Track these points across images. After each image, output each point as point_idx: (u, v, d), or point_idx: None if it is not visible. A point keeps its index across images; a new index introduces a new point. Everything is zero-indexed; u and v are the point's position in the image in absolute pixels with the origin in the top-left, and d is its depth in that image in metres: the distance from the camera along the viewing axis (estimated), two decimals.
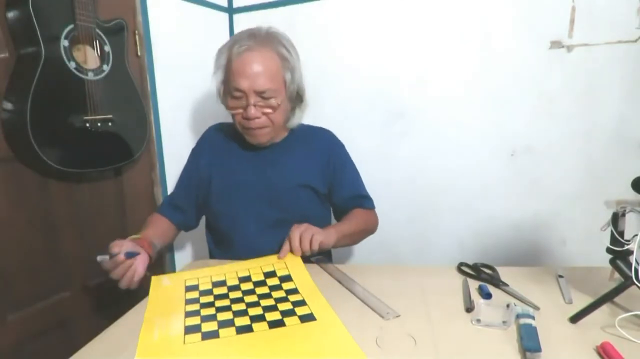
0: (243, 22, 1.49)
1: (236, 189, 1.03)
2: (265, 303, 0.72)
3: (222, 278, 0.82)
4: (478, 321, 0.64)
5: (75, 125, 0.96)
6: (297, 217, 0.99)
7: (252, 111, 0.93)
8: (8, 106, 0.89)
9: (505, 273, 0.80)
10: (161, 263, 1.31)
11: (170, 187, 1.30)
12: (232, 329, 0.64)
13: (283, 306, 0.70)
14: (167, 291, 0.80)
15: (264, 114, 0.95)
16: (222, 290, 0.78)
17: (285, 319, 0.66)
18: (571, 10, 1.17)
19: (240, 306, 0.71)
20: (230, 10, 1.51)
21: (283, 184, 1.02)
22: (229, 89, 0.95)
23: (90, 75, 0.98)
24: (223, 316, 0.69)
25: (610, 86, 1.18)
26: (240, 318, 0.68)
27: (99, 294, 1.11)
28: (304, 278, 0.80)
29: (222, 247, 1.07)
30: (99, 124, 0.99)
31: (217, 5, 1.46)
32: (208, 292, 0.78)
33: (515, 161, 1.31)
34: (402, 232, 1.45)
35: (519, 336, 0.59)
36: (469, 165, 1.35)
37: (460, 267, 0.85)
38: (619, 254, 0.65)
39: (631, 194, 0.63)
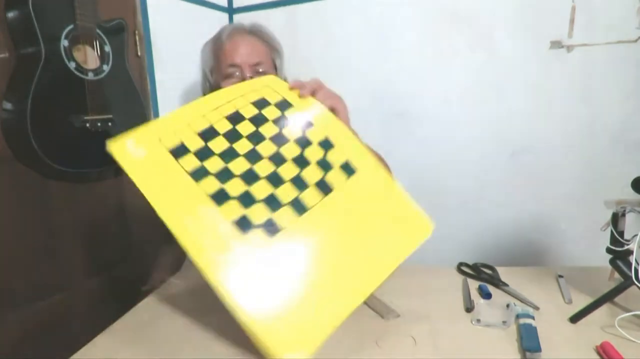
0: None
1: None
2: (288, 152, 0.57)
3: (207, 125, 0.60)
4: (478, 321, 0.64)
5: (75, 125, 0.96)
6: None
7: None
8: (8, 106, 0.89)
9: (505, 273, 0.80)
10: None
11: None
12: (290, 210, 0.54)
13: (312, 153, 0.57)
14: (149, 167, 0.57)
15: None
16: (221, 144, 0.58)
17: (329, 178, 0.55)
18: (571, 10, 1.17)
19: (269, 168, 0.56)
20: (230, 10, 1.51)
21: None
22: (222, 69, 0.98)
23: (90, 76, 0.98)
24: (260, 192, 0.55)
25: (610, 86, 1.18)
26: (283, 188, 0.55)
27: (99, 294, 1.11)
28: (302, 100, 0.64)
29: None
30: (99, 124, 0.99)
31: (217, 5, 1.46)
32: (207, 153, 0.57)
33: (515, 161, 1.31)
34: None
35: (519, 336, 0.59)
36: (468, 165, 1.35)
37: (460, 268, 0.85)
38: (619, 254, 0.65)
39: (631, 194, 0.63)
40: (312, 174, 0.57)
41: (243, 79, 0.96)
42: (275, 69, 1.02)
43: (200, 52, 1.03)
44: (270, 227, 0.52)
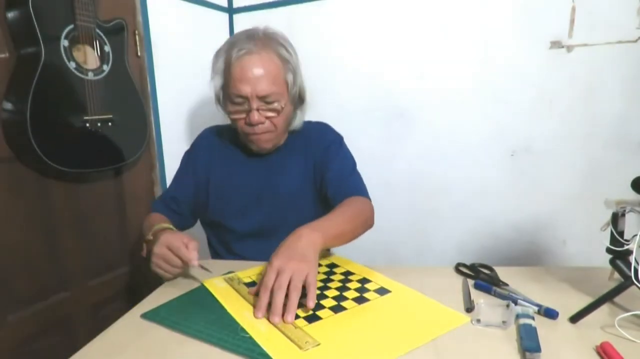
0: (243, 22, 1.50)
1: (233, 193, 1.01)
2: (331, 293, 0.72)
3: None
4: (478, 321, 0.64)
5: (75, 125, 0.96)
6: (295, 222, 0.97)
7: (256, 117, 0.90)
8: (8, 106, 0.89)
9: (504, 273, 0.80)
10: None
11: None
12: (328, 311, 0.66)
13: (353, 286, 0.74)
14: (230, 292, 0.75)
15: (268, 118, 0.92)
16: None
17: (366, 295, 0.70)
18: (571, 10, 1.17)
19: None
20: (230, 10, 1.51)
21: (281, 189, 1.00)
22: (229, 95, 0.91)
23: (90, 76, 0.98)
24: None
25: (611, 86, 1.18)
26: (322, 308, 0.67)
27: (99, 294, 1.11)
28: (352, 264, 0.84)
29: (221, 249, 1.06)
30: (98, 124, 0.99)
31: (217, 5, 1.46)
32: None
33: (515, 161, 1.31)
34: (402, 233, 1.45)
35: (518, 336, 0.59)
36: (468, 165, 1.35)
37: (458, 268, 0.85)
38: (618, 254, 0.65)
39: (631, 194, 0.63)
40: (350, 294, 0.72)
41: (250, 110, 0.90)
42: (287, 88, 0.94)
43: (211, 59, 0.96)
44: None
